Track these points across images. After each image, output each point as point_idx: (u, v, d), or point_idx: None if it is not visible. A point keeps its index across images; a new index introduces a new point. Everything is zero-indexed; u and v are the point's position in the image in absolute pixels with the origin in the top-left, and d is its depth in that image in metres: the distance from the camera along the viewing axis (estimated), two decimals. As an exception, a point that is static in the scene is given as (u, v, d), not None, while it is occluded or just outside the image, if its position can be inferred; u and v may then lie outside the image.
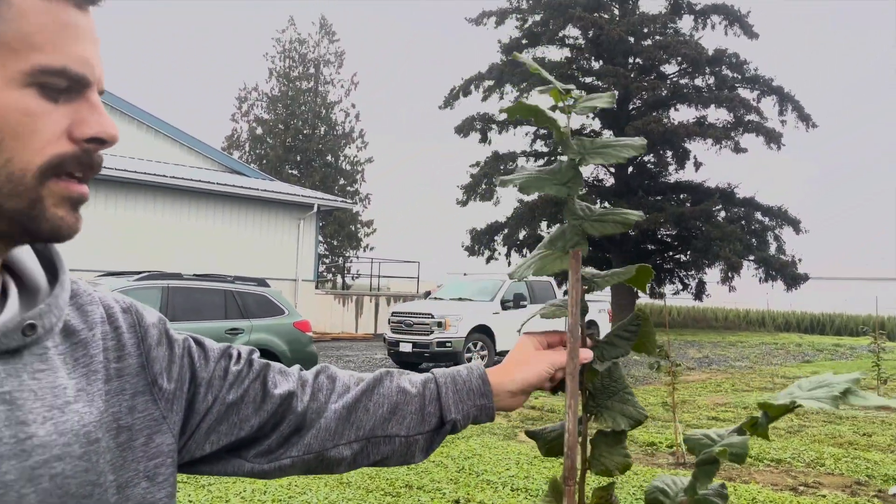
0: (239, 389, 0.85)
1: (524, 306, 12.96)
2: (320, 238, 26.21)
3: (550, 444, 1.03)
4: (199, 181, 16.99)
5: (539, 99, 1.08)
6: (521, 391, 0.97)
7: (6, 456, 0.59)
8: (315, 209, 19.21)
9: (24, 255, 0.70)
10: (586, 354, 0.95)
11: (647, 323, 1.07)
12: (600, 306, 15.28)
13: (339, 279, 32.54)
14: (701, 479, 0.86)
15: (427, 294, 17.20)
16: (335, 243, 34.43)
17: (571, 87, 1.06)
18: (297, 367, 0.94)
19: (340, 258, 34.12)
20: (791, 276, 26.12)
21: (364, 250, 35.24)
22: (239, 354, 0.89)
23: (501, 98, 29.15)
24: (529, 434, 1.06)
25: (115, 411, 0.70)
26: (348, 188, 35.27)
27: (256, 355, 0.91)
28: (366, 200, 36.45)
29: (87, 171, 0.64)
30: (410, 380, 0.94)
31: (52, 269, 0.72)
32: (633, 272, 1.06)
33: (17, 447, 0.60)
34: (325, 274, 31.63)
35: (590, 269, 1.06)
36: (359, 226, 35.39)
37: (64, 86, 0.62)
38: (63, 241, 0.65)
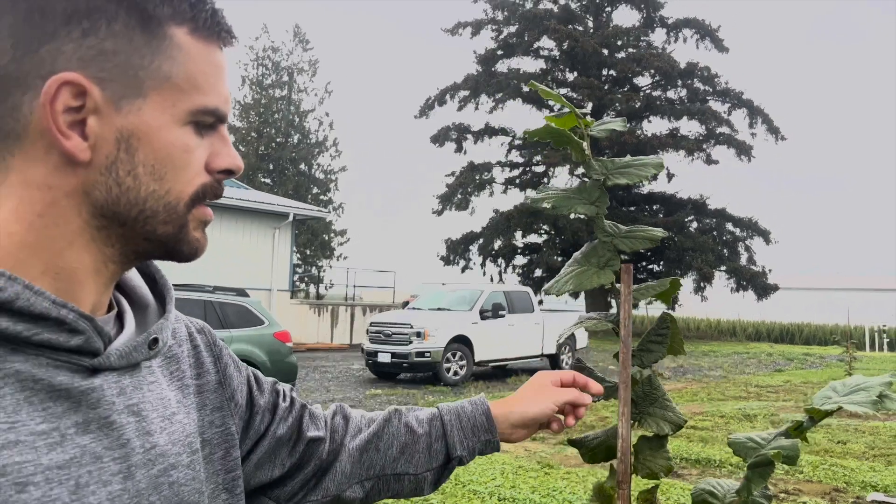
0: (285, 426, 0.89)
1: (503, 316, 12.98)
2: (294, 247, 26.06)
3: (593, 451, 1.05)
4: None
5: (555, 123, 1.10)
6: (523, 425, 1.00)
7: (138, 465, 0.62)
8: (290, 218, 19.10)
9: (131, 272, 0.73)
10: (598, 389, 1.02)
11: (674, 325, 1.10)
12: (576, 316, 15.35)
13: (312, 289, 32.32)
14: (755, 481, 0.88)
15: (405, 304, 17.17)
16: (308, 252, 34.22)
17: (586, 109, 1.09)
18: (320, 409, 0.97)
19: (314, 268, 33.92)
20: (761, 287, 26.55)
21: (337, 260, 35.09)
22: (284, 392, 0.93)
23: (477, 108, 29.29)
24: (571, 442, 1.08)
25: (200, 424, 0.74)
26: (322, 197, 35.10)
27: (295, 394, 0.95)
28: (339, 209, 36.32)
29: (214, 199, 0.69)
30: (417, 417, 0.98)
31: (149, 284, 0.76)
32: (668, 284, 1.10)
33: (146, 456, 0.64)
34: (298, 284, 31.41)
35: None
36: (332, 235, 35.22)
37: (210, 122, 0.67)
38: (194, 260, 0.70)
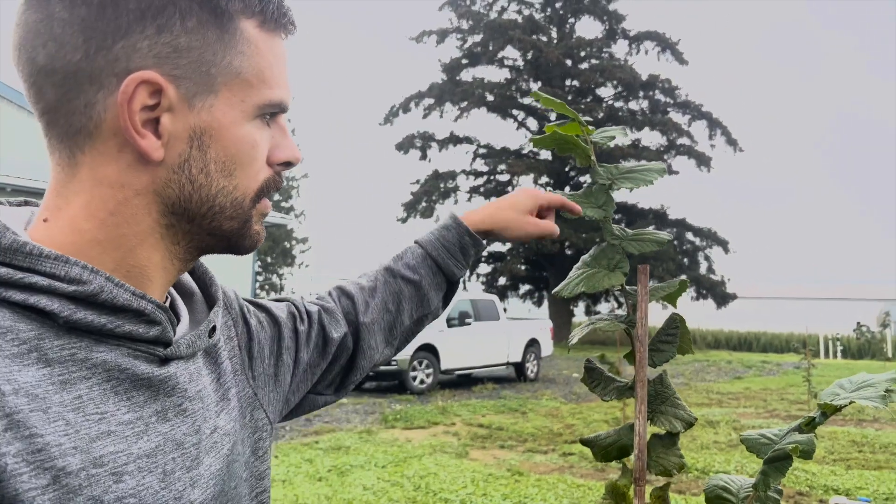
0: (309, 346, 0.91)
1: (469, 324, 13.00)
2: (255, 255, 25.74)
3: (605, 450, 1.06)
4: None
5: (560, 130, 1.12)
6: (496, 238, 1.09)
7: (208, 448, 0.65)
8: (254, 225, 18.87)
9: None
10: (577, 209, 1.11)
11: (683, 326, 1.12)
12: (541, 324, 15.45)
13: (272, 297, 31.93)
14: (773, 475, 0.89)
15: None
16: (269, 260, 33.87)
17: (589, 119, 1.12)
18: (328, 298, 1.01)
19: (275, 275, 33.57)
20: (720, 295, 27.07)
21: (299, 267, 34.79)
22: (299, 312, 0.94)
23: (441, 116, 29.36)
24: (584, 441, 1.08)
25: (238, 394, 0.76)
26: (283, 204, 34.80)
27: (308, 304, 0.97)
28: (301, 216, 36.04)
29: (276, 190, 0.69)
30: (408, 265, 1.04)
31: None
32: (676, 286, 1.11)
33: (212, 439, 0.66)
34: (259, 292, 31.05)
35: (631, 287, 1.10)
36: (294, 242, 34.93)
37: (275, 114, 0.66)
38: (251, 252, 0.70)
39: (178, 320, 0.68)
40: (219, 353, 0.74)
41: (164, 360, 0.62)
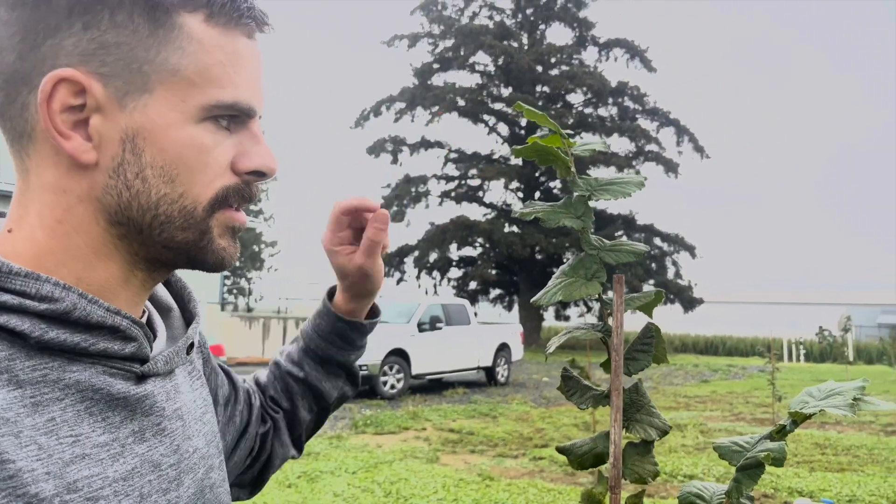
0: (257, 424, 0.91)
1: (440, 328, 13.00)
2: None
3: (581, 458, 1.07)
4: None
5: (541, 142, 1.14)
6: (359, 294, 0.94)
7: (187, 470, 0.62)
8: (222, 229, 18.68)
9: None
10: (374, 206, 0.89)
11: (658, 335, 1.14)
12: (512, 329, 15.51)
13: (242, 301, 31.66)
14: (746, 482, 0.91)
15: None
16: (237, 264, 33.54)
17: (570, 131, 1.14)
18: (252, 384, 0.97)
19: (244, 279, 33.25)
20: (687, 300, 27.44)
21: (268, 271, 34.50)
22: (252, 390, 0.94)
23: (413, 121, 29.39)
24: (560, 450, 1.09)
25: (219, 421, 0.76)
26: (252, 207, 34.46)
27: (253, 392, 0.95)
28: (270, 220, 35.77)
29: (245, 202, 0.64)
30: (293, 360, 0.96)
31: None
32: (653, 296, 1.13)
33: (191, 460, 0.63)
34: (227, 296, 30.72)
35: (607, 297, 1.12)
36: (263, 246, 34.64)
37: (233, 116, 0.61)
38: (223, 271, 0.65)
39: (155, 336, 0.65)
40: (198, 373, 0.73)
41: (141, 378, 0.60)
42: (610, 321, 1.07)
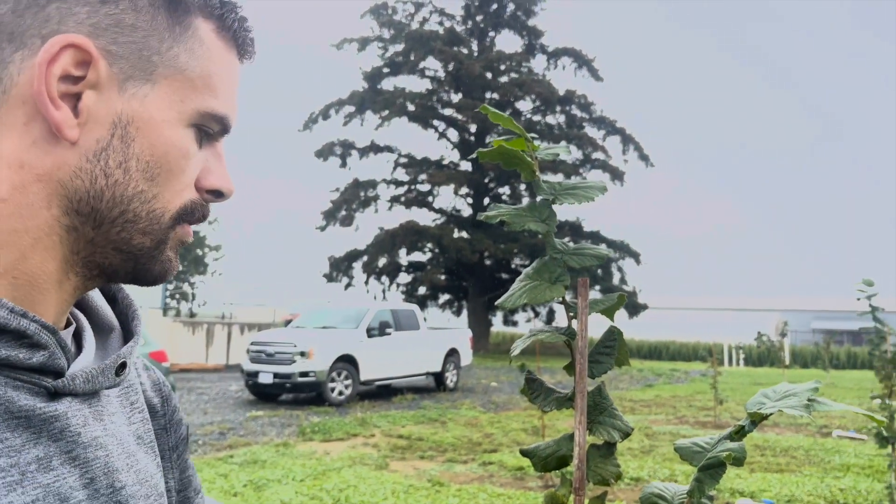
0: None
1: (389, 334, 12.94)
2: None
3: (545, 461, 1.07)
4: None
5: (507, 145, 1.14)
6: None
7: None
8: (166, 232, 18.24)
9: (93, 293, 0.66)
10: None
11: (620, 338, 1.15)
12: (461, 333, 15.54)
13: (185, 306, 30.97)
14: (707, 482, 0.92)
15: (287, 322, 16.75)
16: (181, 268, 32.79)
17: (535, 135, 1.15)
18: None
19: (186, 284, 32.53)
20: (632, 305, 27.96)
21: (212, 276, 33.81)
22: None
23: (362, 124, 29.28)
24: (523, 452, 1.08)
25: (164, 467, 0.68)
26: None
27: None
28: (214, 223, 35.08)
29: (198, 220, 0.61)
30: None
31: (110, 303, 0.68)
32: (615, 300, 1.14)
33: (113, 498, 0.56)
34: (169, 301, 30.01)
35: (571, 300, 1.12)
36: (207, 250, 33.95)
37: (213, 132, 0.60)
38: (160, 284, 0.61)
39: (80, 351, 0.59)
40: (141, 406, 0.66)
41: (54, 395, 0.53)
42: (574, 324, 1.08)
